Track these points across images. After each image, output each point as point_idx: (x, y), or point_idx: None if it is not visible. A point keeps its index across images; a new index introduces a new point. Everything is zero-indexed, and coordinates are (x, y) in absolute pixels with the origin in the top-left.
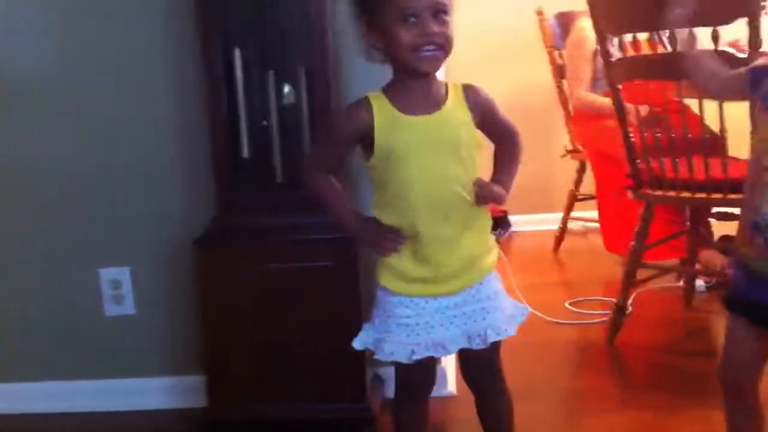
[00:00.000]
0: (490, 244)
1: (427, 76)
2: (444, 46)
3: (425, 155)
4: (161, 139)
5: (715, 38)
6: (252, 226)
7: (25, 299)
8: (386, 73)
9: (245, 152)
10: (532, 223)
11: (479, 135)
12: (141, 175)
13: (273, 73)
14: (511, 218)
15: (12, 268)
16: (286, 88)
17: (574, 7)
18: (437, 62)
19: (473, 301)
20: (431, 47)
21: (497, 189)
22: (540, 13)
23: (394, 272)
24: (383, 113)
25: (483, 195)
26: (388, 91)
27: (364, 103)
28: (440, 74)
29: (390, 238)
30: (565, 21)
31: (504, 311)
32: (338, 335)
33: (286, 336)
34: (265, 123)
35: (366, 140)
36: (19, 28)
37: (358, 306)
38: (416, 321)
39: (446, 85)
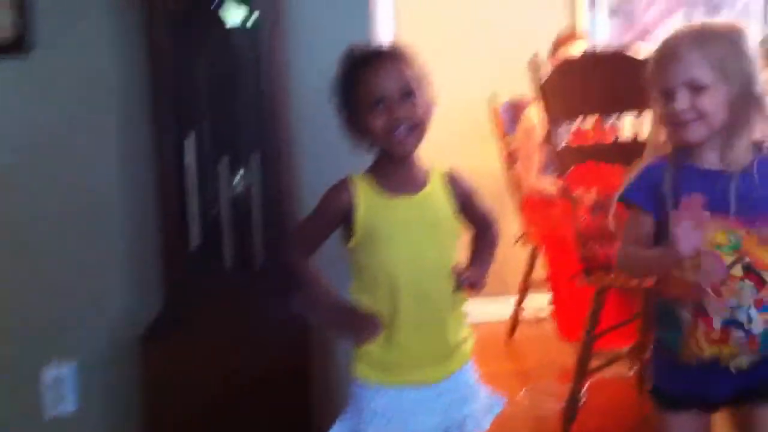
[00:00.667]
0: (467, 332)
1: (406, 159)
2: (416, 127)
3: (406, 236)
4: (107, 227)
5: None
6: (201, 317)
7: None
8: (346, 158)
9: (195, 241)
10: (484, 312)
11: (459, 223)
12: (86, 266)
13: (227, 159)
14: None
15: None
16: (239, 175)
17: (523, 95)
18: (411, 144)
19: (452, 390)
20: (401, 130)
21: (475, 275)
22: (492, 100)
23: (371, 362)
24: (365, 193)
25: (463, 280)
26: (371, 172)
27: (347, 184)
28: None
29: (369, 324)
30: (515, 109)
31: (480, 401)
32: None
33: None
34: (215, 211)
35: (347, 221)
36: None
37: (313, 398)
38: (392, 412)
39: (429, 169)
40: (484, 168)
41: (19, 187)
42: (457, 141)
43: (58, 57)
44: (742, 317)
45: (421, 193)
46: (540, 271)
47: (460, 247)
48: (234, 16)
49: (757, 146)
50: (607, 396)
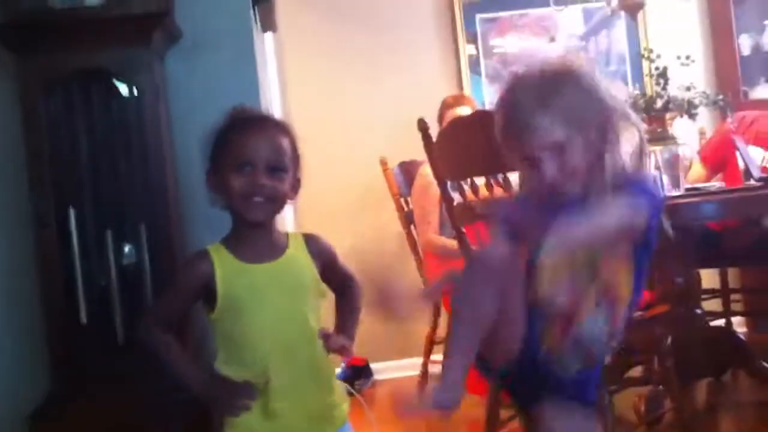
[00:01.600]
0: (340, 394)
1: (260, 226)
2: (274, 200)
3: (270, 302)
4: None
5: None
6: (92, 395)
7: None
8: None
9: (83, 317)
10: (393, 370)
11: (323, 285)
12: None
13: (111, 232)
14: (372, 366)
15: None
16: (127, 248)
17: (415, 157)
18: (265, 213)
19: None
20: (260, 198)
21: (342, 339)
22: (383, 163)
23: (244, 428)
24: (224, 263)
25: (329, 345)
26: (228, 241)
27: (204, 255)
28: (290, 228)
29: (241, 394)
30: (408, 169)
31: None
32: None
33: None
34: (104, 284)
35: (208, 292)
36: None
37: None
38: None
39: (287, 234)
40: (381, 229)
41: None
42: (354, 202)
43: None
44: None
45: (281, 259)
46: (444, 328)
47: (325, 309)
48: (115, 86)
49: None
50: None
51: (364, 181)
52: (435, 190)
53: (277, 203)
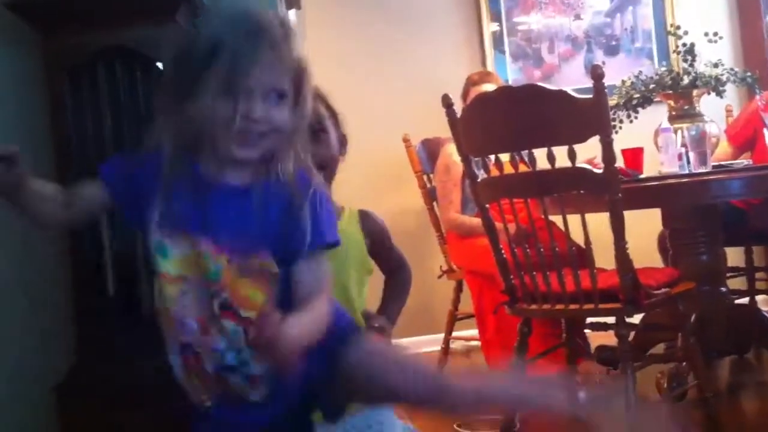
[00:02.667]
0: None
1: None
2: (323, 165)
3: None
4: (20, 282)
5: (572, 156)
6: (118, 368)
7: None
8: None
9: (111, 289)
10: (414, 346)
11: (371, 262)
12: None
13: None
14: (395, 342)
15: None
16: None
17: (438, 134)
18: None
19: (364, 427)
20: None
21: (382, 321)
22: (406, 139)
23: None
24: None
25: (371, 327)
26: None
27: None
28: None
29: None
30: (431, 147)
31: None
32: None
33: None
34: (130, 257)
35: None
36: None
37: None
38: None
39: (342, 207)
40: (403, 205)
41: None
42: (377, 179)
43: None
44: (231, 361)
45: None
46: (466, 305)
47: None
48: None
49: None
50: (540, 421)
51: (387, 158)
52: (457, 169)
53: (327, 168)
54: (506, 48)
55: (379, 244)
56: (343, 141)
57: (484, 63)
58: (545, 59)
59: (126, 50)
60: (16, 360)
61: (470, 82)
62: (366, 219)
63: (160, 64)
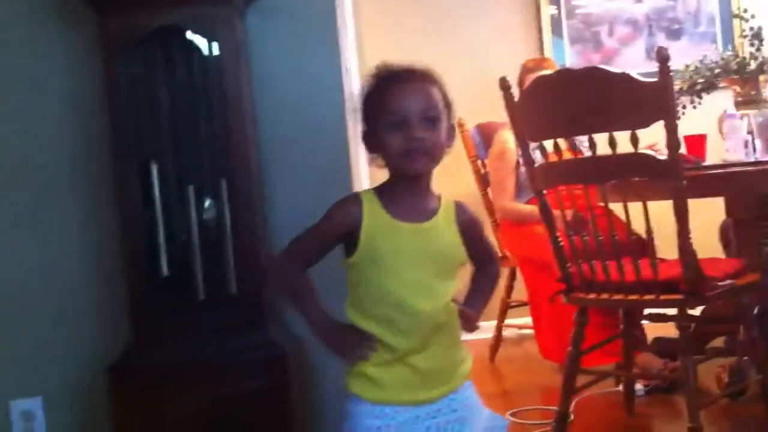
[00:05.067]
0: (464, 352)
1: (419, 181)
2: (430, 152)
3: (409, 264)
4: (74, 261)
5: (634, 141)
6: (172, 349)
7: None
8: (313, 184)
9: (164, 270)
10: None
11: (464, 254)
12: (53, 299)
13: (192, 187)
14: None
15: None
16: (207, 203)
17: (493, 119)
18: (424, 166)
19: (448, 411)
20: (418, 152)
21: (471, 313)
22: (461, 124)
23: (365, 379)
24: (373, 213)
25: (461, 316)
26: (382, 191)
27: (356, 200)
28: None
29: (363, 344)
30: (486, 132)
31: (480, 422)
32: None
33: None
34: (184, 238)
35: (351, 237)
36: None
37: (294, 425)
38: None
39: (439, 197)
40: (456, 191)
41: None
42: None
43: (16, 92)
44: None
45: (428, 222)
46: (519, 293)
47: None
48: (196, 43)
49: None
50: (595, 414)
51: None
52: (511, 155)
53: (435, 155)
54: (564, 32)
55: (474, 238)
56: (450, 132)
57: (541, 47)
58: (604, 43)
59: (182, 30)
60: (70, 341)
61: (526, 69)
62: (462, 211)
63: (213, 44)
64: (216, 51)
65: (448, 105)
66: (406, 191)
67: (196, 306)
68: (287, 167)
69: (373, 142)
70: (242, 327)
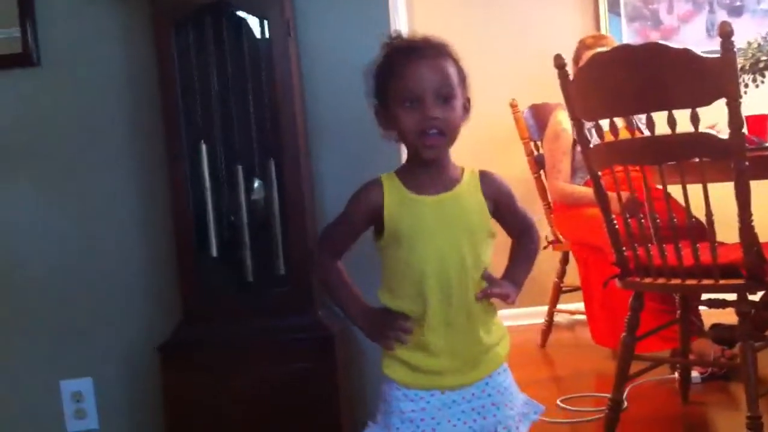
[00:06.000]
0: (500, 333)
1: (435, 161)
2: (445, 131)
3: (434, 236)
4: (123, 241)
5: (695, 120)
6: (221, 329)
7: None
8: (360, 162)
9: (214, 251)
10: (517, 318)
11: (493, 224)
12: (102, 279)
13: (241, 168)
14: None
15: None
16: (256, 183)
17: (547, 99)
18: (440, 149)
19: (483, 396)
20: (434, 131)
21: (506, 287)
22: (514, 105)
23: (400, 361)
24: (393, 193)
25: (490, 291)
26: (401, 171)
27: (376, 183)
28: None
29: (397, 328)
30: (539, 113)
31: (515, 408)
32: None
33: None
34: (233, 219)
35: (377, 221)
36: None
37: (338, 411)
38: (421, 416)
39: (462, 169)
40: (509, 173)
41: (31, 198)
42: (481, 146)
43: (67, 68)
44: None
45: (451, 193)
46: (572, 277)
47: (496, 249)
48: (246, 20)
49: None
50: (650, 402)
51: (493, 123)
52: (567, 136)
53: (450, 133)
54: (622, 9)
55: (504, 206)
56: (466, 105)
57: (597, 25)
58: (663, 21)
59: (231, 8)
60: (120, 322)
61: (583, 46)
62: (487, 180)
63: (262, 22)
64: (265, 29)
65: (463, 79)
66: (425, 168)
67: (244, 287)
68: (336, 148)
69: (385, 117)
70: (290, 308)
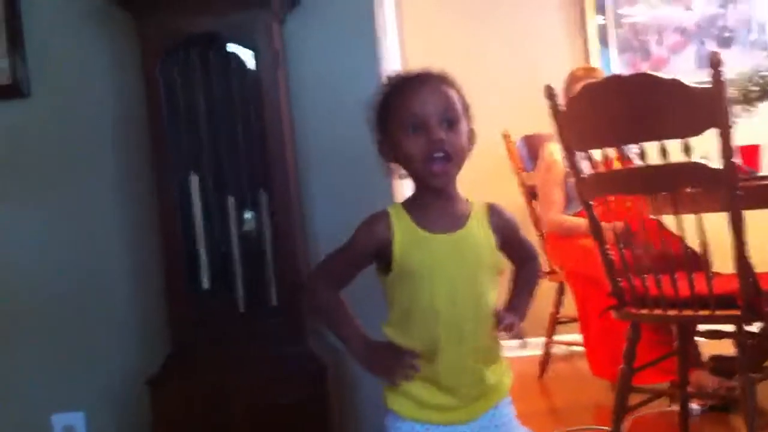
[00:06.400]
0: (504, 367)
1: (445, 189)
2: (452, 156)
3: (445, 274)
4: (114, 272)
5: (687, 150)
6: (212, 360)
7: None
8: (351, 192)
9: (205, 283)
10: (514, 349)
11: (502, 260)
12: (94, 311)
13: (232, 198)
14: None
15: None
16: (247, 214)
17: (539, 130)
18: (446, 176)
19: (490, 427)
20: (440, 154)
21: (511, 317)
22: (506, 136)
23: (404, 396)
24: (403, 228)
25: (502, 324)
26: (409, 205)
27: (384, 217)
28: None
29: (405, 365)
30: (532, 144)
31: None
32: None
33: None
34: (224, 250)
35: (383, 255)
36: None
37: None
38: None
39: (469, 201)
40: (504, 204)
41: (23, 228)
42: (474, 176)
43: (56, 99)
44: None
45: (461, 231)
46: (568, 308)
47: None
48: (234, 51)
49: None
50: None
51: (485, 154)
52: (559, 167)
53: (456, 159)
54: (611, 40)
55: (510, 238)
56: (471, 135)
57: (587, 56)
58: (653, 52)
59: (220, 38)
60: (112, 355)
61: (574, 78)
62: (495, 213)
63: (251, 53)
64: (254, 60)
65: (466, 107)
66: (433, 201)
67: (236, 318)
68: (327, 176)
69: (390, 151)
70: (282, 338)
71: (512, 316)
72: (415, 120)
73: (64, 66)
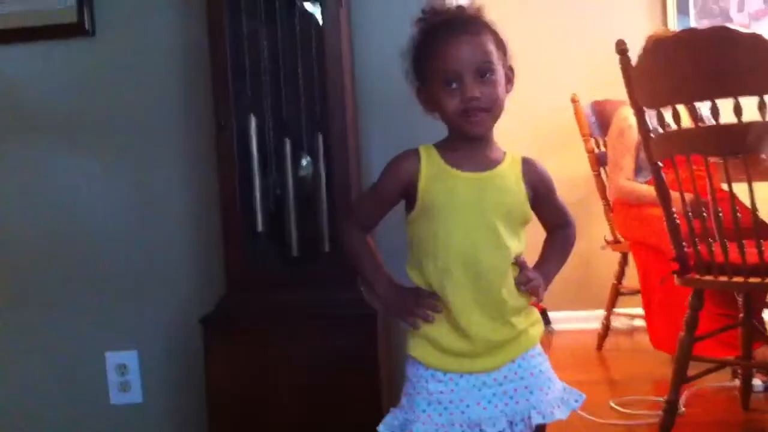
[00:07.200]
0: (533, 317)
1: (480, 140)
2: (490, 109)
3: (465, 211)
4: (169, 214)
5: (763, 109)
6: (265, 303)
7: (31, 385)
8: (410, 140)
9: (259, 226)
10: (572, 321)
11: (529, 210)
12: (148, 252)
13: (289, 142)
14: (551, 315)
15: (15, 352)
16: (304, 159)
17: (609, 97)
18: (484, 126)
19: (515, 379)
20: (476, 112)
21: (536, 279)
22: (575, 101)
23: (427, 342)
24: (431, 164)
25: (520, 277)
26: (440, 145)
27: (413, 153)
28: None
29: (424, 305)
30: (602, 110)
31: (551, 392)
32: (358, 421)
33: (301, 422)
34: (279, 193)
35: (411, 193)
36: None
37: (378, 388)
38: (450, 398)
39: (505, 152)
40: (570, 170)
41: (88, 167)
42: (540, 139)
43: (122, 38)
44: None
45: (488, 172)
46: (631, 279)
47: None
48: None
49: None
50: (708, 407)
51: (553, 118)
52: (632, 133)
53: (494, 110)
54: (690, 7)
55: (544, 197)
56: (509, 76)
57: (665, 22)
58: (734, 18)
59: None
60: (166, 295)
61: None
62: (529, 166)
63: None
64: (317, 2)
65: (502, 48)
66: (466, 146)
67: (289, 262)
68: (386, 121)
69: (426, 97)
70: (334, 284)
71: (536, 275)
72: (447, 75)
73: (129, 5)
